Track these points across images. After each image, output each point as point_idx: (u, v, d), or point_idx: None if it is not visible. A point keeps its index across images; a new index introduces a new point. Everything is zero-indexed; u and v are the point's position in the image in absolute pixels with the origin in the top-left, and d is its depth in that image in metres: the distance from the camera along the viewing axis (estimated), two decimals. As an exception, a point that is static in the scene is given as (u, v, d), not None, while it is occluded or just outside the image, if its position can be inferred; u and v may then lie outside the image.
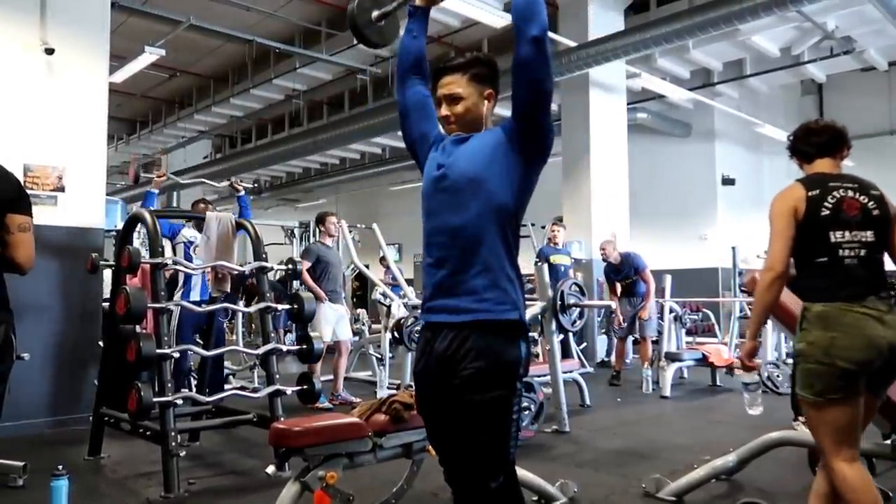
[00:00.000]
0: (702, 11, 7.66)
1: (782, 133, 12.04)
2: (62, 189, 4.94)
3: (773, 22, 8.43)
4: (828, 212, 2.33)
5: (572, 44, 8.53)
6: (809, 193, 2.37)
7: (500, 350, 1.75)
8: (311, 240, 10.83)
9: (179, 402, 3.37)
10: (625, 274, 7.10)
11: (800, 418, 4.08)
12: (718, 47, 9.91)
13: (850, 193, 2.39)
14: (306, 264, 5.77)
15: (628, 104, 10.40)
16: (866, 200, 2.38)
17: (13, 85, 4.84)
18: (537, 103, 1.79)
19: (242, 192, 5.30)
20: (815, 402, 2.23)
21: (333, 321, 5.80)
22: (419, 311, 1.94)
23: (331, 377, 6.06)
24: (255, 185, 5.42)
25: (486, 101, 1.89)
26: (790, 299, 3.00)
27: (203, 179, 6.49)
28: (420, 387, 1.90)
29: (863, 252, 2.30)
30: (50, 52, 4.89)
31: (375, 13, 2.17)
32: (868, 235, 2.33)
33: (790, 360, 7.06)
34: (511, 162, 1.81)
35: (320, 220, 6.06)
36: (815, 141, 2.54)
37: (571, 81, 9.35)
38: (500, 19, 7.50)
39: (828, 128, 2.57)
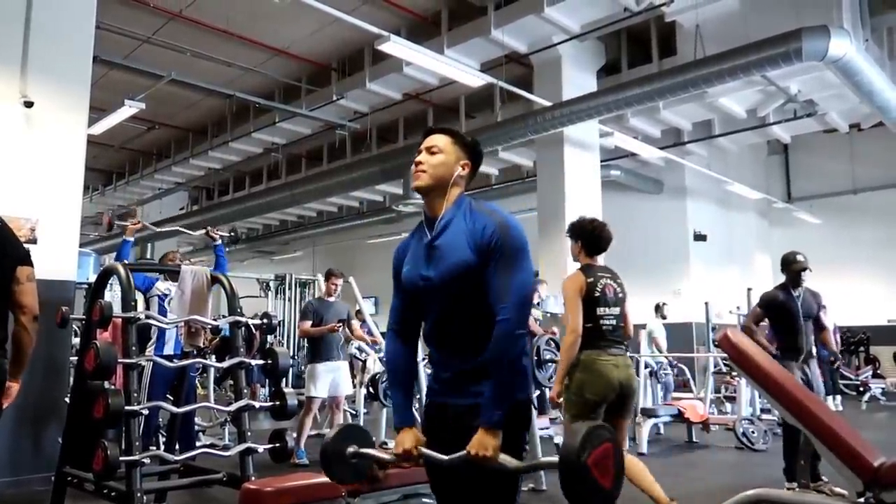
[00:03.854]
0: (671, 75, 7.94)
1: (751, 191, 12.39)
2: (34, 241, 4.87)
3: (739, 86, 8.76)
4: (599, 293, 3.37)
5: (547, 103, 8.76)
6: (588, 279, 3.39)
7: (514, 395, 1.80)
8: (287, 293, 10.76)
9: (147, 461, 3.27)
10: None
11: (793, 483, 4.15)
12: (688, 108, 10.24)
13: (609, 281, 3.43)
14: (306, 324, 5.80)
15: (602, 161, 10.64)
16: (616, 287, 3.47)
17: (-11, 136, 4.82)
18: None
19: (218, 241, 5.28)
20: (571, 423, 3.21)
21: (328, 378, 5.71)
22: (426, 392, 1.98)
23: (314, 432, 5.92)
24: (232, 233, 5.37)
25: (460, 167, 1.93)
26: (763, 357, 3.04)
27: (179, 228, 6.43)
28: (428, 422, 1.93)
29: (613, 321, 3.39)
30: (29, 104, 4.90)
31: (350, 450, 2.04)
32: (615, 311, 3.41)
33: (765, 416, 7.11)
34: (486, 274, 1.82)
35: (325, 276, 6.07)
36: (604, 245, 3.53)
37: (546, 139, 9.57)
38: (476, 79, 7.69)
39: (609, 235, 3.56)
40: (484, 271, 1.79)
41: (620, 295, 3.47)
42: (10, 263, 2.52)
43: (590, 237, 3.52)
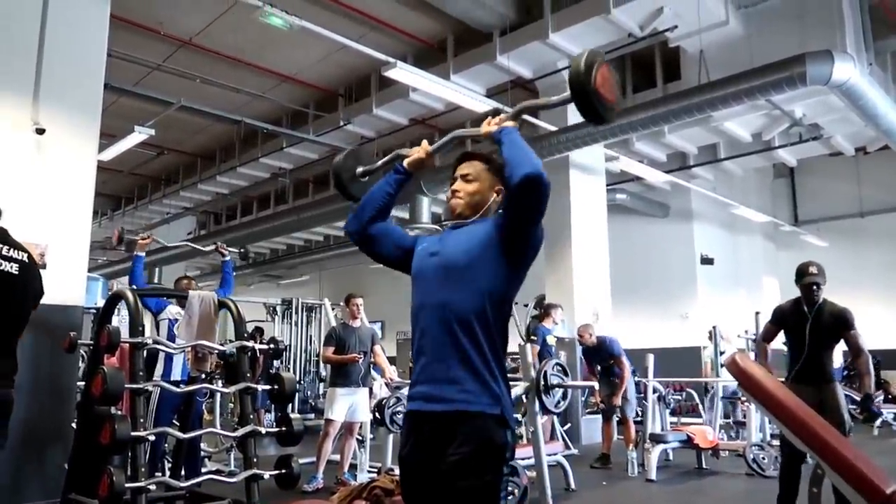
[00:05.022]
0: (675, 100, 8.00)
1: (757, 214, 12.38)
2: (44, 266, 4.88)
3: (743, 110, 8.81)
4: None
5: (552, 128, 8.82)
6: None
7: (487, 435, 1.75)
8: (294, 318, 10.76)
9: (153, 487, 3.26)
10: (602, 357, 7.17)
11: None
12: (693, 132, 10.28)
13: None
14: (328, 350, 5.77)
15: (608, 185, 10.67)
16: None
17: (1, 163, 4.88)
18: (527, 220, 1.87)
19: (228, 258, 5.29)
20: None
21: (346, 402, 5.65)
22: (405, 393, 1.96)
23: (313, 459, 5.87)
24: (242, 249, 5.45)
25: (494, 194, 1.99)
26: (771, 381, 3.02)
27: (189, 244, 6.40)
28: (405, 471, 1.88)
29: None
30: (41, 131, 4.95)
31: (360, 169, 2.25)
32: None
33: (775, 442, 7.02)
34: (499, 256, 1.86)
35: (345, 301, 6.04)
36: None
37: (552, 163, 9.60)
38: (482, 104, 7.76)
39: None
40: (496, 247, 1.85)
41: None
42: (31, 302, 2.58)
43: None
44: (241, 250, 5.36)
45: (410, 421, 1.88)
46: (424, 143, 2.11)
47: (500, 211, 1.94)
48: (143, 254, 5.21)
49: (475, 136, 2.04)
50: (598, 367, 7.26)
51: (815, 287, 4.12)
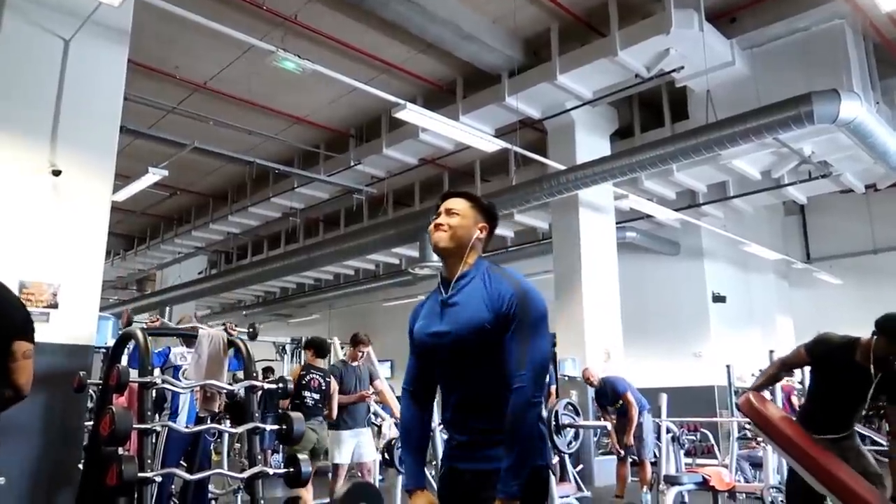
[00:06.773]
0: (683, 138, 8.04)
1: (769, 252, 12.30)
2: (55, 306, 4.92)
3: (751, 148, 8.82)
4: (305, 382, 5.37)
5: (561, 167, 8.87)
6: (302, 372, 5.47)
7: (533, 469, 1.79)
8: (303, 356, 10.71)
9: (158, 530, 3.21)
10: (610, 398, 7.10)
11: None
12: (701, 170, 10.30)
13: (316, 375, 5.46)
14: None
15: (617, 223, 10.67)
16: (321, 381, 5.49)
17: (18, 204, 4.95)
18: None
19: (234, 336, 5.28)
20: None
21: (351, 443, 5.63)
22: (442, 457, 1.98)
23: (326, 501, 5.78)
24: (251, 329, 5.51)
25: (477, 230, 1.96)
26: (786, 422, 2.97)
27: (197, 325, 6.34)
28: (443, 490, 1.93)
29: (312, 402, 5.38)
30: (57, 173, 5.03)
31: None
32: (317, 396, 5.39)
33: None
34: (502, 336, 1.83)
35: (352, 343, 6.03)
36: (325, 352, 5.88)
37: (561, 202, 9.66)
38: (490, 145, 7.83)
39: (328, 347, 6.02)
40: (499, 335, 1.79)
41: (324, 387, 5.44)
42: (3, 333, 2.37)
43: (318, 346, 5.73)
44: (250, 330, 5.41)
45: (451, 471, 1.92)
46: None
47: (500, 298, 1.83)
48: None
49: None
50: (612, 408, 7.17)
51: None
